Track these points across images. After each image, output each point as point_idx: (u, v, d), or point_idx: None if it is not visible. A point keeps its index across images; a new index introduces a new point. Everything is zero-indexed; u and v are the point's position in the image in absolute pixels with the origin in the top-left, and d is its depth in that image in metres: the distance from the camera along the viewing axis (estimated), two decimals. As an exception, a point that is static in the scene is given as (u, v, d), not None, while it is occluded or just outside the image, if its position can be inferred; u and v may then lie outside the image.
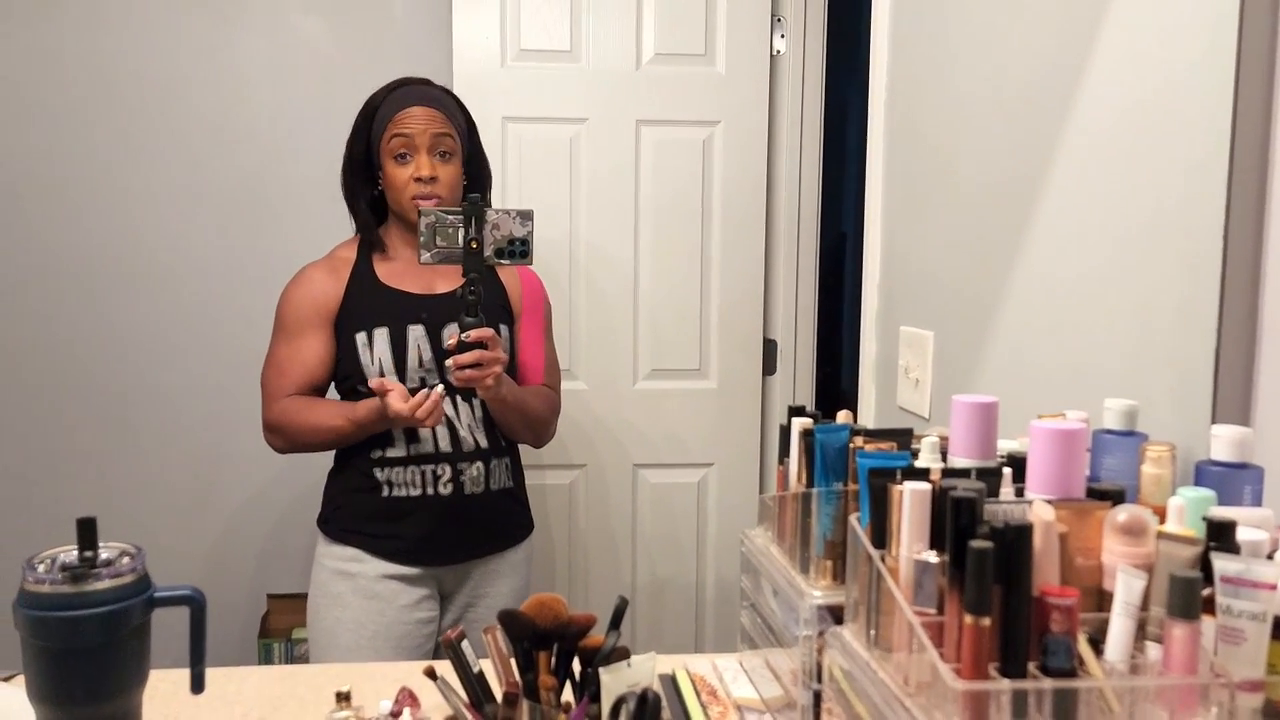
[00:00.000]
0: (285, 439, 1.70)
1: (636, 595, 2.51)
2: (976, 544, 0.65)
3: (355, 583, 1.69)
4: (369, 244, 1.75)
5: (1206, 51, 0.94)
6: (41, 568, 0.91)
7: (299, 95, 2.48)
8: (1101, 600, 0.73)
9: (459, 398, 1.70)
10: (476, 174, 1.79)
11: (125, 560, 0.94)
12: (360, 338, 1.67)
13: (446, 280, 1.72)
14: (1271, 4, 0.88)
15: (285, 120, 2.48)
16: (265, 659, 2.40)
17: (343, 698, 0.95)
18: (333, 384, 1.75)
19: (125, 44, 2.43)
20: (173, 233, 2.48)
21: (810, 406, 2.58)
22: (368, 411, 1.61)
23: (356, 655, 1.66)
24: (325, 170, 2.36)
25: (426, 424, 1.56)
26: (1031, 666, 0.66)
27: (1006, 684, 0.64)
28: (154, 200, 2.47)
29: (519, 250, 1.55)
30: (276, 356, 1.73)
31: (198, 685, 0.97)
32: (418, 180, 1.67)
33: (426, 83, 1.76)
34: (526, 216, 1.54)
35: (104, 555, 0.94)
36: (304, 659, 2.39)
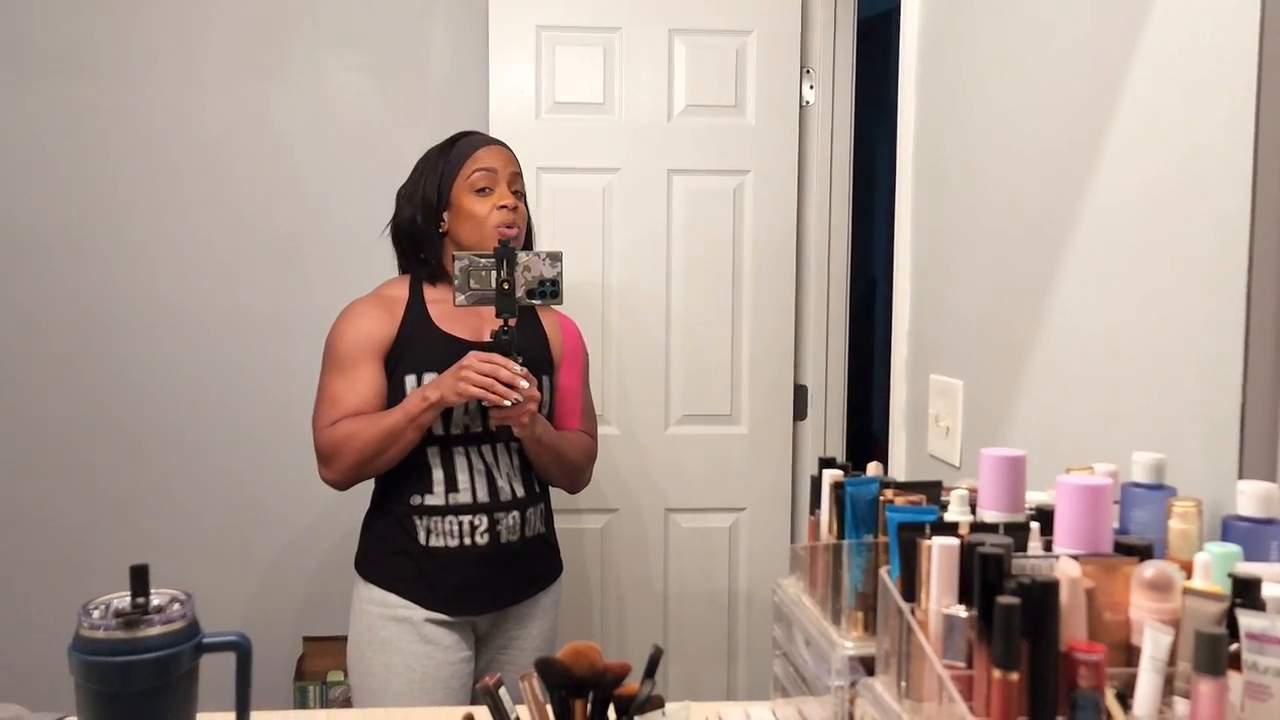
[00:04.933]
0: (340, 462, 1.67)
1: (669, 639, 2.51)
2: (1004, 600, 0.66)
3: (403, 627, 1.71)
4: (424, 282, 1.78)
5: (1229, 111, 0.96)
6: (96, 614, 0.94)
7: (340, 151, 2.55)
8: (1130, 655, 0.74)
9: (499, 446, 1.73)
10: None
11: (176, 606, 0.97)
12: (410, 380, 1.69)
13: (494, 326, 1.75)
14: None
15: (327, 175, 2.56)
16: (300, 702, 2.43)
17: (383, 743, 0.97)
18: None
19: (171, 102, 2.51)
20: (214, 286, 2.55)
21: (841, 452, 2.60)
22: (414, 399, 1.63)
23: (408, 699, 1.67)
24: (365, 224, 2.44)
25: (474, 390, 1.56)
26: (1060, 721, 0.67)
27: (1035, 738, 0.65)
28: (197, 254, 2.54)
29: (549, 290, 1.59)
30: (330, 390, 1.71)
31: (243, 731, 0.99)
32: (501, 207, 1.72)
33: (490, 136, 1.85)
34: (556, 258, 1.60)
35: (155, 601, 0.96)
36: (338, 702, 2.41)
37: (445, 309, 1.76)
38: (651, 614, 2.51)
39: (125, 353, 2.54)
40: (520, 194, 1.77)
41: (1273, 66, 0.91)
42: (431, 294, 1.78)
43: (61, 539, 2.54)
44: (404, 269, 1.83)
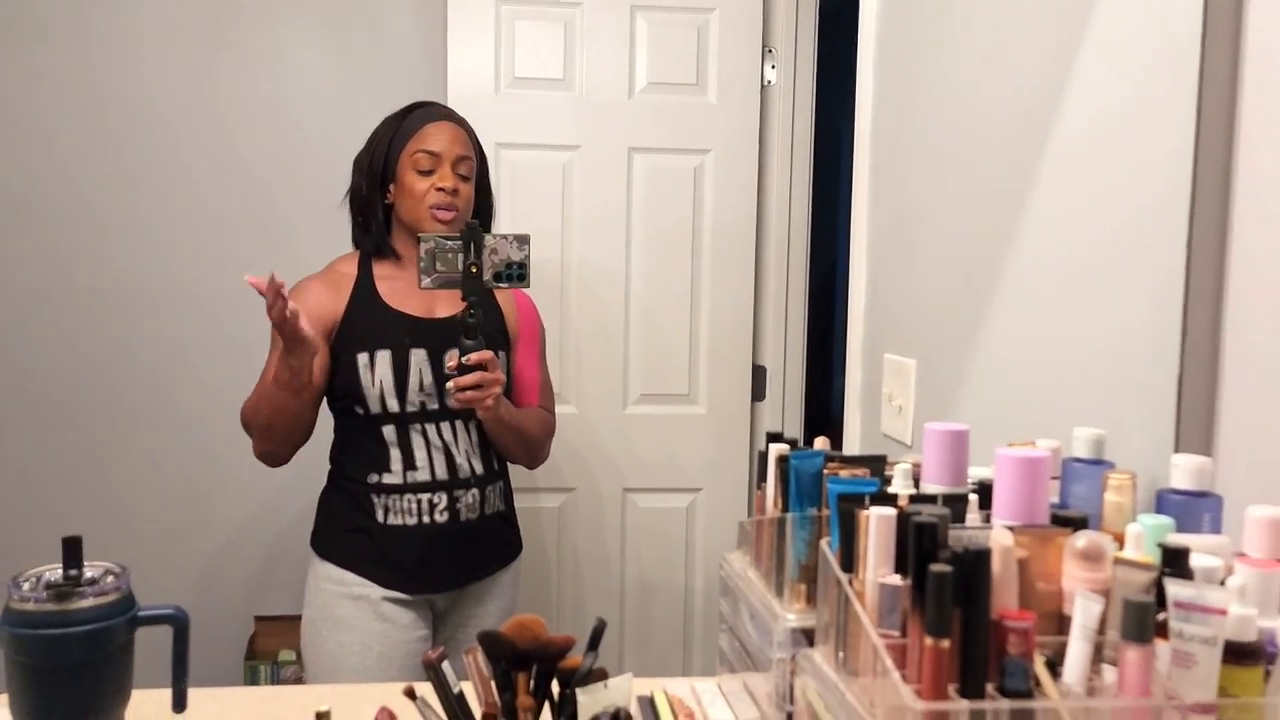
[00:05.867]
0: (254, 434, 1.66)
1: (625, 618, 2.52)
2: (936, 568, 0.67)
3: (360, 606, 1.69)
4: (371, 258, 1.76)
5: (1169, 90, 0.96)
6: (26, 586, 0.92)
7: (297, 123, 2.52)
8: (1062, 624, 0.75)
9: (457, 424, 1.72)
10: (482, 204, 1.82)
11: (110, 579, 0.96)
12: (362, 358, 1.67)
13: (447, 304, 1.73)
14: (1234, 15, 0.91)
15: (284, 147, 2.52)
16: (251, 681, 2.41)
17: (322, 718, 0.96)
18: (326, 403, 1.74)
19: (126, 71, 2.46)
20: (169, 256, 2.51)
21: (800, 433, 2.61)
22: (272, 362, 1.58)
23: (362, 678, 1.66)
24: (323, 196, 2.40)
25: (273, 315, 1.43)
26: (990, 688, 0.67)
27: (965, 705, 0.66)
28: (150, 223, 2.50)
29: (516, 274, 1.57)
30: (265, 367, 1.70)
31: (179, 704, 0.98)
32: (440, 190, 1.69)
33: (447, 107, 1.82)
34: (523, 241, 1.57)
35: (88, 574, 0.95)
36: (289, 681, 2.39)
37: (395, 285, 1.74)
38: (608, 593, 2.51)
39: (73, 325, 2.49)
40: (466, 176, 1.74)
41: (1214, 48, 0.92)
42: (380, 270, 1.76)
43: (7, 513, 2.49)
44: (357, 239, 1.80)
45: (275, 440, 1.66)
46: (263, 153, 2.51)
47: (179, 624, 0.98)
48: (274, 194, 2.52)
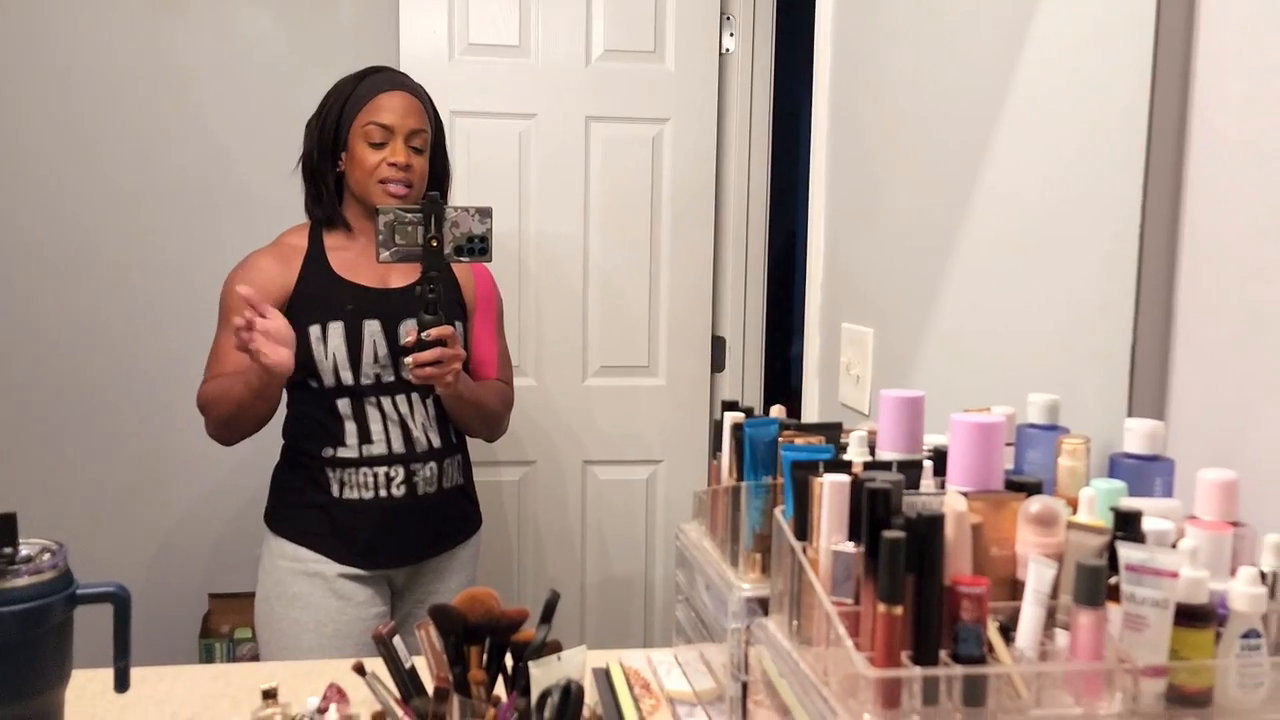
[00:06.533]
0: (210, 420, 1.64)
1: (586, 591, 2.51)
2: (889, 534, 0.66)
3: (315, 582, 1.67)
4: (323, 229, 1.72)
5: (1123, 55, 0.96)
6: (-42, 564, 0.89)
7: (245, 89, 2.46)
8: (1016, 589, 0.74)
9: (414, 396, 1.69)
10: (438, 172, 1.78)
11: (46, 556, 0.92)
12: (314, 330, 1.63)
13: (401, 274, 1.70)
14: None
15: (231, 114, 2.46)
16: (206, 659, 2.37)
17: (269, 695, 0.94)
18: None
19: (77, 37, 2.38)
20: (121, 225, 2.44)
21: (760, 403, 2.61)
22: (248, 367, 1.52)
23: (318, 655, 1.64)
24: (271, 165, 2.35)
25: (263, 356, 1.46)
26: (943, 654, 0.67)
27: (918, 671, 0.65)
28: (103, 191, 2.43)
29: (478, 248, 1.54)
30: (216, 345, 1.68)
31: (121, 683, 0.95)
32: (392, 165, 1.65)
33: (403, 74, 1.76)
34: (485, 214, 1.54)
35: (24, 551, 0.92)
36: (245, 659, 2.36)
37: (346, 256, 1.70)
38: (570, 567, 2.50)
39: (19, 293, 2.42)
40: (420, 149, 1.70)
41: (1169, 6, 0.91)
42: (331, 241, 1.72)
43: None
44: (309, 207, 1.76)
45: (240, 431, 1.64)
46: (215, 118, 2.45)
47: (120, 602, 0.95)
48: (228, 160, 2.46)
